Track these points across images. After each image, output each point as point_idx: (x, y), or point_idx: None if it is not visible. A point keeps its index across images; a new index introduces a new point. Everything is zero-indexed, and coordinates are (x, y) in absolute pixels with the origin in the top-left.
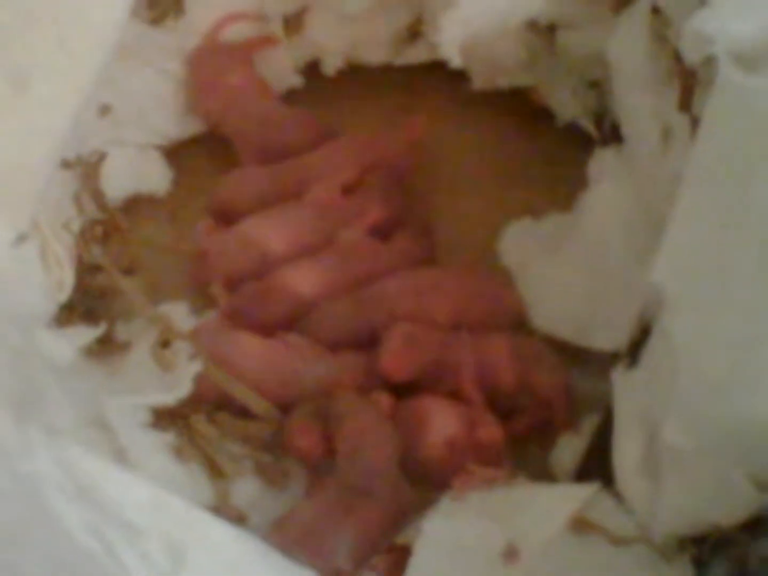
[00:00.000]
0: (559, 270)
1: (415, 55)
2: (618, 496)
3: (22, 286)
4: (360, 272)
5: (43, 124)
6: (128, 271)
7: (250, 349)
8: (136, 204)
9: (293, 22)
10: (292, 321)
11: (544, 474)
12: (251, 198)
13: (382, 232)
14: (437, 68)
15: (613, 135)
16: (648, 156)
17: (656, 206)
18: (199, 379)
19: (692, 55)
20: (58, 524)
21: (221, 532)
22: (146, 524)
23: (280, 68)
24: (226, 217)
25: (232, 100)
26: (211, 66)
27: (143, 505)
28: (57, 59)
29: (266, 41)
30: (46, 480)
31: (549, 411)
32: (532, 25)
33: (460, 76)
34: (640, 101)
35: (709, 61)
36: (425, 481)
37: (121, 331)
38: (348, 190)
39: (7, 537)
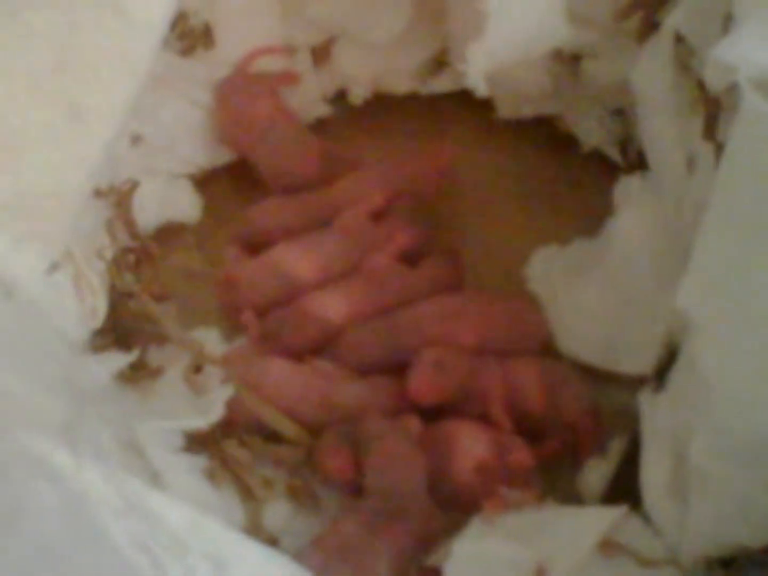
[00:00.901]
0: (586, 295)
1: (441, 84)
2: (646, 519)
3: (56, 313)
4: (388, 298)
5: (77, 153)
6: (160, 298)
7: (280, 373)
8: (166, 232)
9: (320, 53)
10: (320, 346)
11: (572, 496)
12: (280, 226)
13: (410, 259)
14: (463, 97)
15: (638, 162)
16: (673, 183)
17: (681, 232)
18: (231, 404)
19: (716, 84)
20: (106, 539)
21: (259, 551)
22: (191, 539)
23: (308, 98)
24: (255, 245)
25: (260, 130)
26: (239, 96)
27: (187, 521)
28: (91, 90)
29: (289, 78)
30: (95, 496)
31: (576, 434)
32: (557, 55)
33: (485, 105)
34: (664, 129)
35: (733, 89)
36: (454, 504)
37: (154, 357)
38: (375, 217)
39: (56, 553)
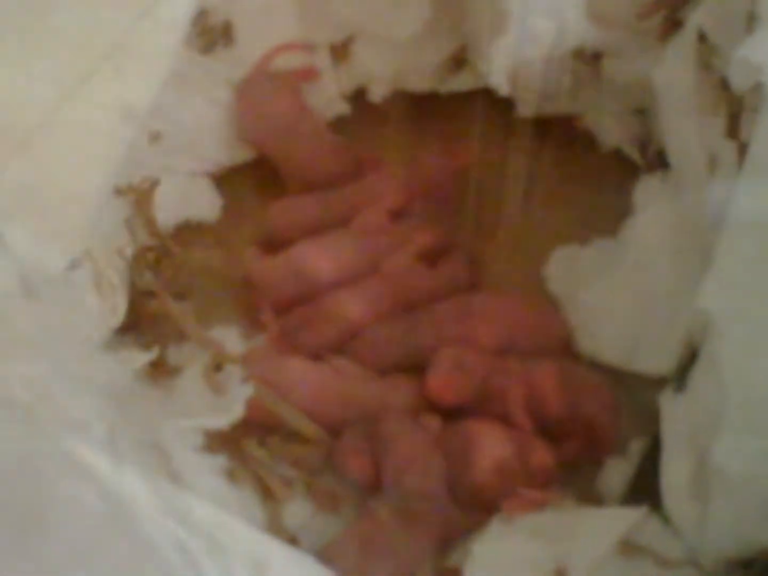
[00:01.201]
0: (605, 295)
1: (461, 82)
2: (666, 519)
3: (77, 311)
4: (407, 297)
5: (98, 152)
6: (180, 296)
7: (299, 372)
8: (186, 230)
9: (340, 51)
10: (340, 345)
11: (592, 497)
12: (299, 225)
13: (429, 258)
14: (482, 95)
15: (657, 161)
16: (694, 182)
17: (702, 232)
18: (250, 403)
19: (739, 83)
20: (143, 539)
21: (293, 554)
22: (228, 541)
23: (328, 96)
24: (274, 243)
25: (280, 127)
26: (259, 94)
27: (223, 523)
28: (115, 89)
29: (309, 74)
30: (132, 497)
31: (596, 435)
32: (578, 53)
33: (505, 103)
34: (686, 128)
35: (757, 89)
36: (474, 504)
37: (173, 355)
38: (395, 216)
39: (91, 553)
